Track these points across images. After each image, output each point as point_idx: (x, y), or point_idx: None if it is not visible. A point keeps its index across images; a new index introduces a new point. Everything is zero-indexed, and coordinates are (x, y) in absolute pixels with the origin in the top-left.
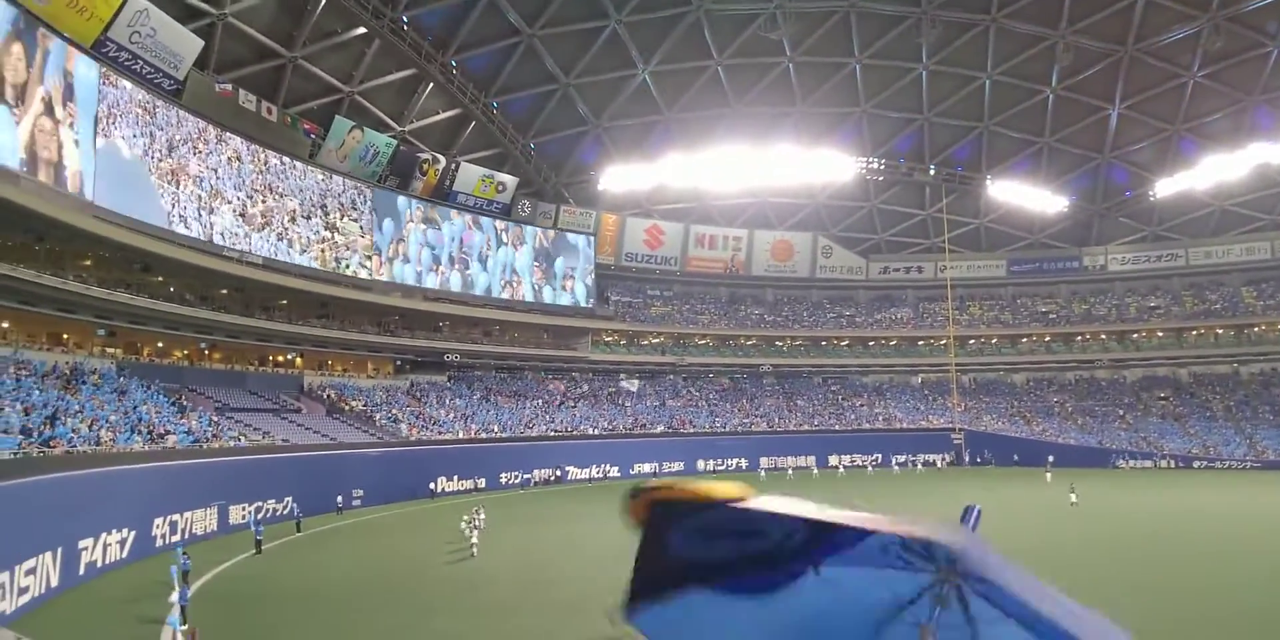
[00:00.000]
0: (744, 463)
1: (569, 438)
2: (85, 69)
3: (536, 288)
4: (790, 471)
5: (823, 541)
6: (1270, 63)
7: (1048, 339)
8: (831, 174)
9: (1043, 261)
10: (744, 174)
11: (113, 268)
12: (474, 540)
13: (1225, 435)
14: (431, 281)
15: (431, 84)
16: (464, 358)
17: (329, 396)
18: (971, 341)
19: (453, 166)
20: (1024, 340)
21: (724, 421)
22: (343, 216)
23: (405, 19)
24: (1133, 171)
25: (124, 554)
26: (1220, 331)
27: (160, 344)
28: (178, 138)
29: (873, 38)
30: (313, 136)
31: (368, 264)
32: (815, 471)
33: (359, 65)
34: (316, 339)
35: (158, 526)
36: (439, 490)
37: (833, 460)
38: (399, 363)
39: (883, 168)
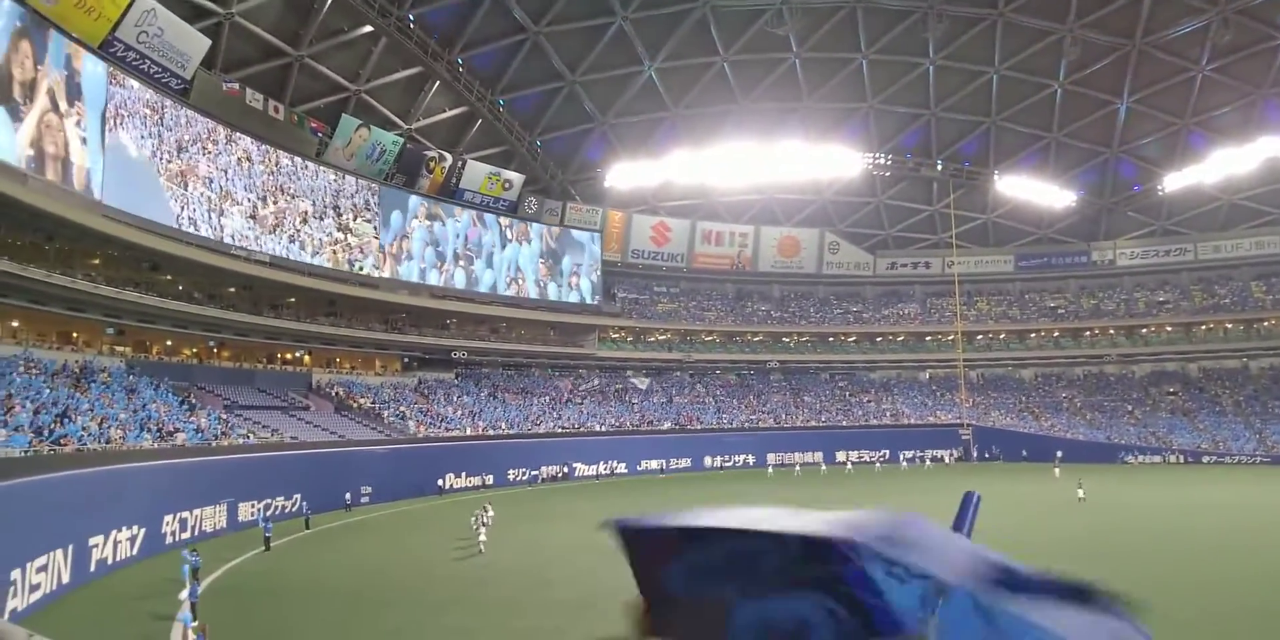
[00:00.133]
0: (751, 459)
1: (576, 434)
2: (93, 68)
3: (543, 285)
4: (798, 468)
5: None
6: None
7: (1056, 334)
8: (838, 170)
9: (1051, 256)
10: (750, 170)
11: (121, 266)
12: (482, 537)
13: (1234, 430)
14: (435, 279)
15: (438, 82)
16: (471, 355)
17: (337, 394)
18: (979, 337)
19: (459, 164)
20: (1032, 335)
21: (731, 418)
22: (355, 217)
23: (411, 17)
24: (1141, 166)
25: (134, 551)
26: (1229, 326)
27: (169, 342)
28: (187, 138)
29: (879, 33)
30: (319, 135)
31: (380, 265)
32: (823, 468)
33: (365, 63)
34: (325, 337)
35: (168, 524)
36: (447, 487)
37: (840, 456)
38: (407, 360)
39: (890, 163)
